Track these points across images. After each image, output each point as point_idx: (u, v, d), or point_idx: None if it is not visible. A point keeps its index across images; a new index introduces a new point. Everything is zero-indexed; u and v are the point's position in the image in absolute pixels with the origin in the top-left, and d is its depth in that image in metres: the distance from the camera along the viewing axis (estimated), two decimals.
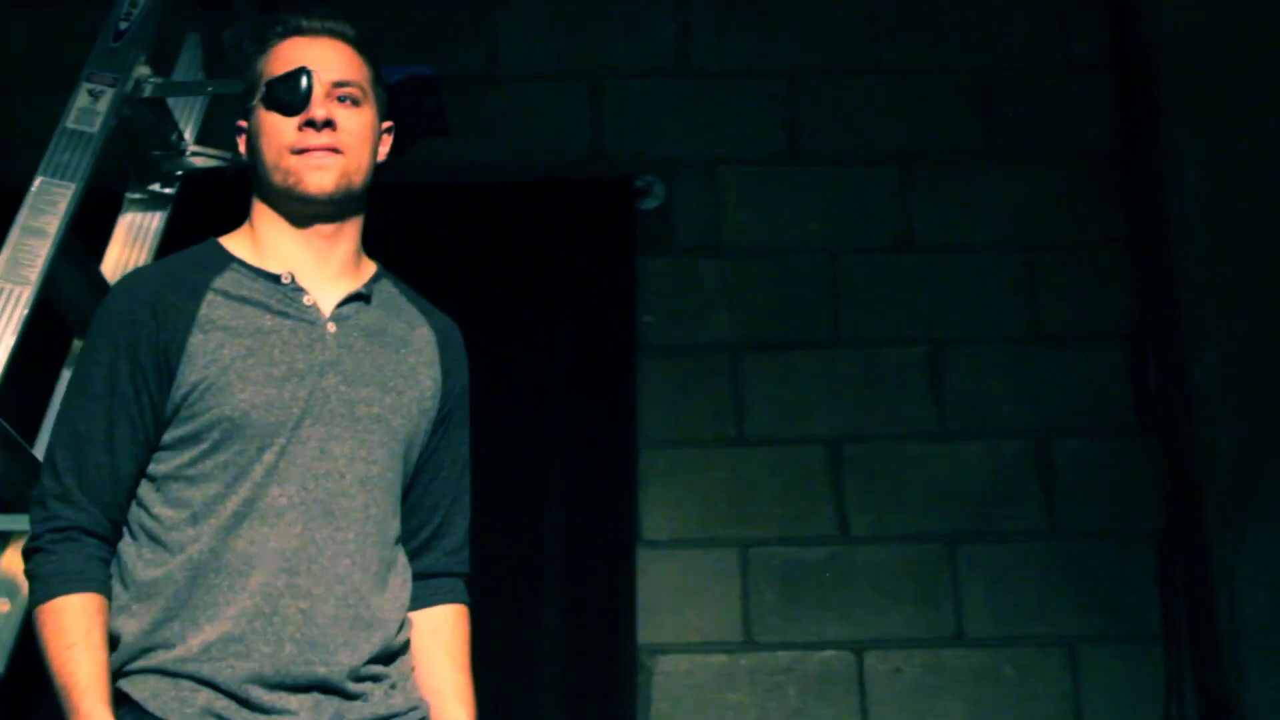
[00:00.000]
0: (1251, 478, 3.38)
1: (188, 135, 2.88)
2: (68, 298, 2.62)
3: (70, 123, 2.56)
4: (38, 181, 2.51)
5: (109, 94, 2.56)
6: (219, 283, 2.18)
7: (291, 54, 2.24)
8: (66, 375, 2.55)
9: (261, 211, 2.25)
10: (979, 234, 3.79)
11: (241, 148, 2.30)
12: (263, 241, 2.24)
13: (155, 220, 2.85)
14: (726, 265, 3.73)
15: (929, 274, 3.76)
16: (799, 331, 3.70)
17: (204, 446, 2.10)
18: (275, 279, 2.19)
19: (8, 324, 2.47)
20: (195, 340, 2.10)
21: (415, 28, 3.84)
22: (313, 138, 2.18)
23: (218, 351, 2.10)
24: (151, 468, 2.13)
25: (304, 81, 2.20)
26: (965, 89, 3.87)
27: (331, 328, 2.18)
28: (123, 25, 2.62)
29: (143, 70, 2.64)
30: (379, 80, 2.33)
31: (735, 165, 3.75)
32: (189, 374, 2.09)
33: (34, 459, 2.51)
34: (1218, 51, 3.60)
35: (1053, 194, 3.82)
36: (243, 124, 2.28)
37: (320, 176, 2.17)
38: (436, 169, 3.57)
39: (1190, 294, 3.55)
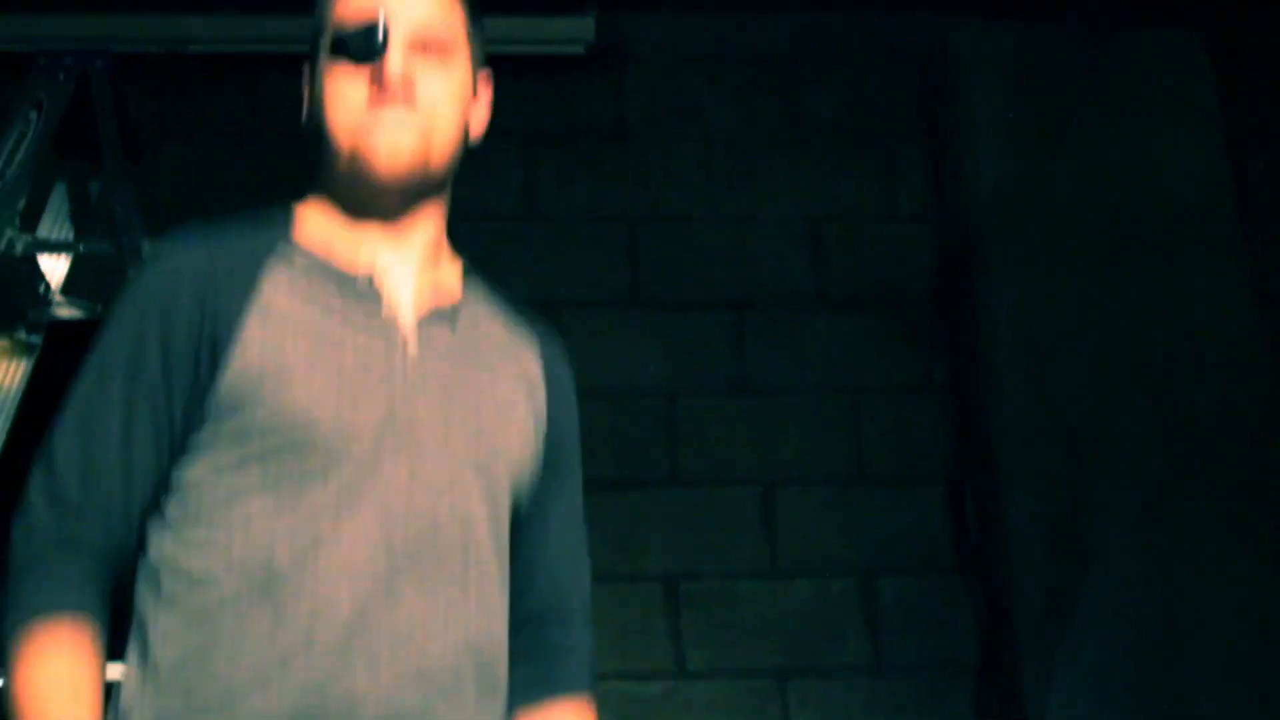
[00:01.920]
0: (1059, 618, 3.54)
1: (55, 286, 2.97)
2: None
3: None
4: None
5: None
6: (286, 269, 1.84)
7: None
8: None
9: (328, 186, 1.94)
10: (809, 378, 3.91)
11: (305, 106, 1.98)
12: (333, 227, 1.92)
13: (20, 367, 2.93)
14: None
15: (762, 416, 3.88)
16: (637, 471, 3.80)
17: (249, 449, 1.72)
18: (350, 280, 1.86)
19: None
20: (252, 325, 1.76)
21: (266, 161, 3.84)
22: (386, 96, 1.85)
23: (279, 346, 1.75)
24: (175, 473, 1.74)
25: (378, 31, 1.87)
26: (798, 238, 4.01)
27: (412, 349, 1.85)
28: None
29: (12, 231, 2.73)
30: (477, 28, 2.02)
31: (578, 307, 3.86)
32: (239, 360, 1.73)
33: None
34: (1029, 210, 3.83)
35: (879, 340, 3.95)
36: (307, 68, 1.99)
37: (394, 139, 1.84)
38: None
39: (1003, 439, 3.71)
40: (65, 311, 2.94)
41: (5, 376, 2.91)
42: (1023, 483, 3.70)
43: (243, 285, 1.78)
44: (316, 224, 1.90)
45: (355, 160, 1.85)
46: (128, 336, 1.77)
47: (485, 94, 2.03)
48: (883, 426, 3.93)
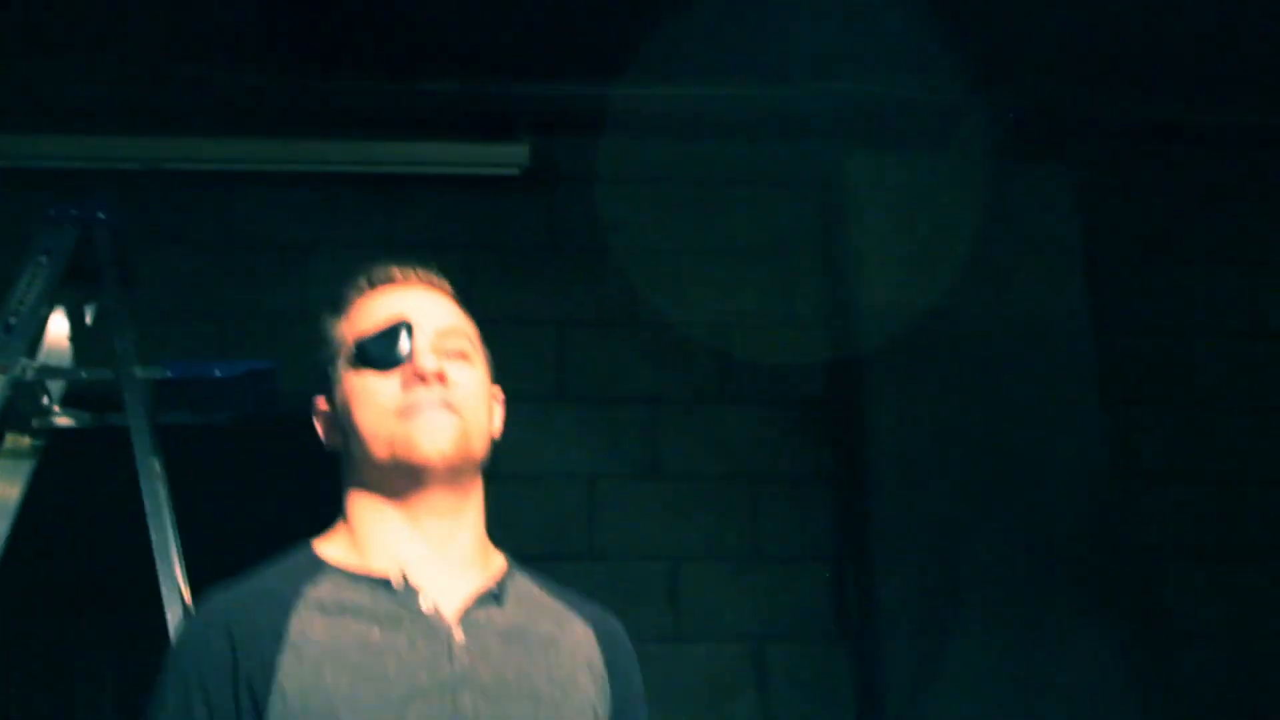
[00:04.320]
0: (924, 687, 3.93)
1: (55, 397, 3.40)
2: None
3: None
4: None
5: (1, 380, 3.09)
6: (313, 594, 1.81)
7: (382, 305, 1.95)
8: None
9: (359, 501, 1.91)
10: (713, 466, 4.28)
11: (321, 433, 1.99)
12: (364, 538, 1.89)
13: (24, 467, 3.35)
14: (500, 489, 4.23)
15: (671, 499, 4.25)
16: (559, 546, 4.17)
17: None
18: (384, 583, 1.82)
19: None
20: (286, 665, 1.72)
21: (240, 269, 4.32)
22: (423, 393, 1.84)
23: (316, 678, 1.71)
24: None
25: (404, 331, 1.88)
26: (706, 340, 4.36)
27: (459, 636, 1.79)
28: (11, 321, 3.13)
29: (25, 360, 3.17)
30: (482, 341, 2.07)
31: (510, 401, 4.22)
32: (281, 708, 1.69)
33: None
34: (909, 324, 4.19)
35: (775, 434, 4.32)
36: (322, 405, 1.98)
37: (436, 437, 1.82)
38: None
39: (880, 527, 4.10)
40: (64, 420, 3.35)
41: (13, 476, 3.33)
42: (895, 567, 4.06)
43: (271, 629, 1.74)
44: (343, 545, 1.90)
45: (396, 459, 1.83)
46: (172, 706, 1.75)
47: (499, 411, 2.09)
48: (777, 511, 4.28)
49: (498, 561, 1.97)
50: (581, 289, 4.41)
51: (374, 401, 1.86)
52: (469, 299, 4.33)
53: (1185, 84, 4.41)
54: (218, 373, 3.21)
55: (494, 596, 1.86)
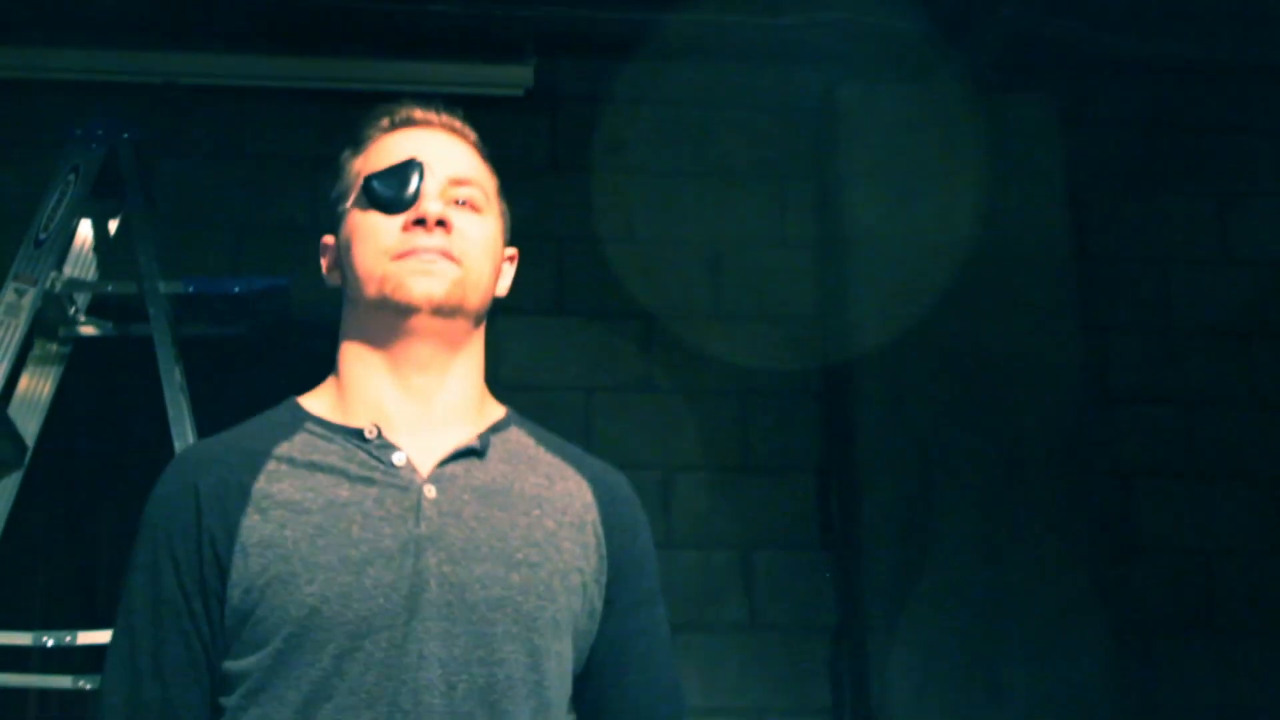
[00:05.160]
0: (902, 594, 4.11)
1: (80, 307, 3.56)
2: None
3: (2, 314, 3.20)
4: None
5: (31, 292, 3.23)
6: (284, 448, 1.76)
7: (399, 145, 1.86)
8: None
9: (348, 351, 1.85)
10: (705, 380, 4.43)
11: (325, 269, 1.93)
12: (348, 390, 1.83)
13: (51, 372, 3.51)
14: (501, 396, 4.38)
15: (664, 412, 4.39)
16: None
17: (269, 661, 1.65)
18: (359, 436, 1.76)
19: None
20: (249, 523, 1.69)
21: (253, 182, 4.44)
22: (422, 237, 1.76)
23: (278, 535, 1.68)
24: (222, 698, 1.69)
25: (414, 172, 1.80)
26: (700, 260, 4.52)
27: (430, 491, 1.73)
28: (41, 236, 3.29)
29: (55, 273, 3.33)
30: (502, 195, 1.97)
31: (512, 315, 4.32)
32: (243, 566, 1.67)
33: None
34: (895, 247, 4.34)
35: (765, 349, 4.45)
36: (327, 240, 1.93)
37: (428, 282, 1.75)
38: None
39: (864, 441, 4.25)
40: (89, 329, 3.51)
41: (42, 380, 3.46)
42: (878, 481, 4.23)
43: (237, 486, 1.72)
44: (329, 398, 1.84)
45: (384, 297, 1.78)
46: (143, 567, 1.74)
47: (510, 269, 1.99)
48: (766, 424, 4.44)
49: (494, 415, 1.89)
50: (581, 207, 4.53)
51: (372, 240, 1.79)
52: None
53: (1164, 17, 4.52)
54: (236, 289, 3.38)
55: (474, 451, 1.78)
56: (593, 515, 1.85)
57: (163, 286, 3.30)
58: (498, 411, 1.91)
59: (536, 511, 1.78)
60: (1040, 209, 4.48)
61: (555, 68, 4.59)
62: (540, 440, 1.92)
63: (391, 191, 1.80)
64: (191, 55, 4.40)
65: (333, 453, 1.75)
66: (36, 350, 3.47)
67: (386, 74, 4.43)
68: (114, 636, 1.75)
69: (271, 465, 1.74)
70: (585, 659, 1.83)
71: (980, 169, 4.43)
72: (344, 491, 1.71)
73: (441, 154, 1.85)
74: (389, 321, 1.79)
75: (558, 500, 1.82)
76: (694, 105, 4.67)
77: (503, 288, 1.96)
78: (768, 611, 4.36)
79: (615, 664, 1.85)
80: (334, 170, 1.93)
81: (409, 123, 1.89)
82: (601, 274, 4.51)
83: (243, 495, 1.71)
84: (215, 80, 4.43)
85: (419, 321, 1.77)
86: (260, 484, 1.72)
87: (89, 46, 4.31)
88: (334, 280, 1.91)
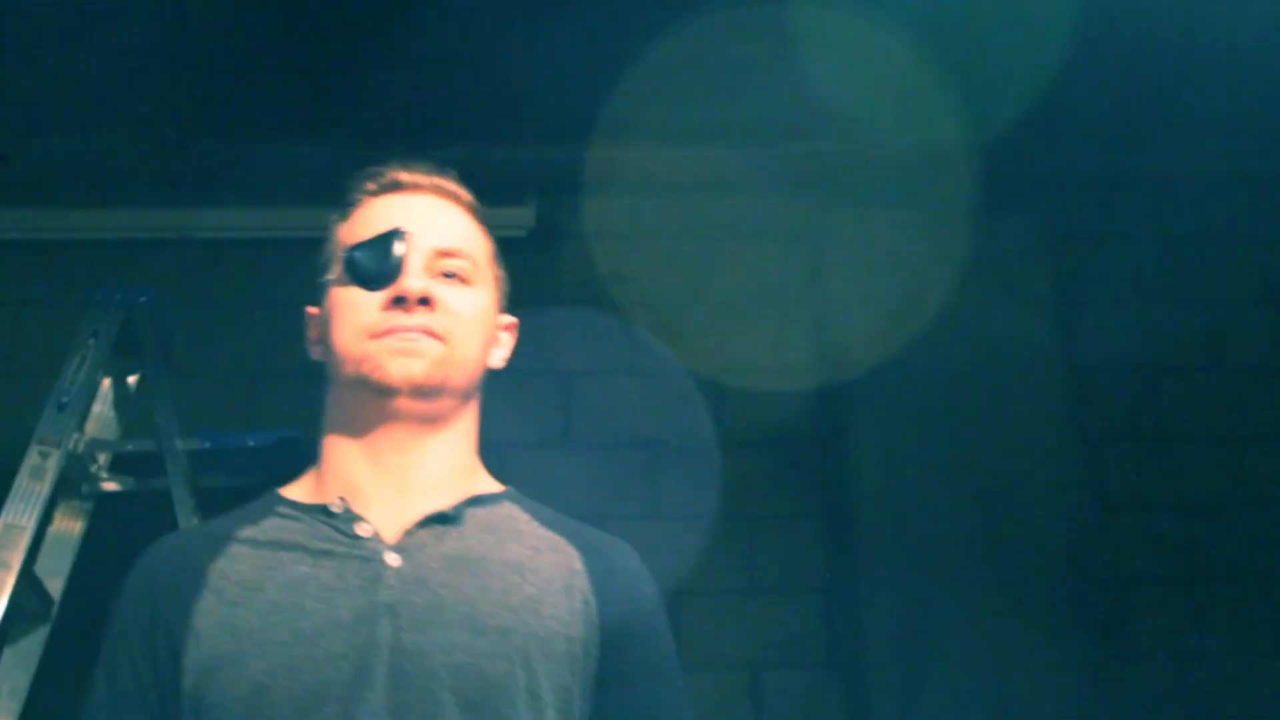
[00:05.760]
0: (907, 707, 4.19)
1: (103, 464, 3.71)
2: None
3: (26, 477, 3.31)
4: (2, 525, 3.21)
5: (56, 454, 3.37)
6: (249, 532, 1.71)
7: (383, 213, 1.78)
8: None
9: (328, 433, 1.79)
10: (711, 506, 4.49)
11: (309, 344, 1.87)
12: (327, 469, 1.77)
13: (76, 527, 3.63)
14: None
15: (672, 538, 4.46)
16: None
17: None
18: (324, 511, 1.71)
19: None
20: (203, 606, 1.63)
21: (265, 330, 4.56)
22: (402, 317, 1.69)
23: (230, 615, 1.61)
24: None
25: (396, 243, 1.70)
26: (704, 389, 4.60)
27: (393, 559, 1.65)
28: (64, 400, 3.44)
29: (78, 434, 3.48)
30: (498, 259, 1.88)
31: (520, 448, 4.44)
32: (194, 650, 1.61)
33: None
34: (890, 369, 4.43)
35: (767, 474, 4.56)
36: (312, 312, 1.86)
37: (408, 363, 1.68)
38: None
39: (866, 560, 4.34)
40: (111, 486, 3.65)
41: (67, 535, 3.58)
42: (880, 597, 4.31)
43: (194, 572, 1.65)
44: (308, 482, 1.78)
45: (362, 378, 1.69)
46: (104, 660, 1.70)
47: (508, 340, 1.91)
48: (770, 547, 4.53)
49: (482, 489, 1.81)
50: (585, 342, 4.64)
51: (352, 317, 1.72)
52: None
53: (1143, 135, 4.66)
54: (251, 442, 3.51)
55: (444, 518, 1.71)
56: (582, 581, 1.76)
57: (180, 444, 3.44)
58: (492, 487, 1.84)
59: (515, 578, 1.70)
60: (1029, 323, 4.58)
61: (556, 206, 4.72)
62: (536, 516, 1.84)
63: (373, 265, 1.71)
64: (207, 210, 4.55)
65: (298, 531, 1.69)
66: (61, 507, 3.60)
67: None
68: None
69: (234, 548, 1.68)
70: None
71: (971, 287, 4.54)
72: (304, 567, 1.65)
73: (428, 222, 1.78)
74: (368, 401, 1.73)
75: (543, 568, 1.73)
76: (692, 237, 4.80)
77: (498, 359, 1.89)
78: None
79: None
80: (323, 238, 1.87)
81: (395, 186, 1.83)
82: (607, 405, 4.61)
83: (199, 580, 1.65)
84: (229, 233, 4.58)
85: (399, 404, 1.70)
86: (219, 565, 1.66)
87: (108, 206, 4.47)
88: (317, 355, 1.85)
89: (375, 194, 1.82)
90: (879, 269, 4.62)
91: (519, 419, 4.59)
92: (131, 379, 3.79)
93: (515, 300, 4.63)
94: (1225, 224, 4.96)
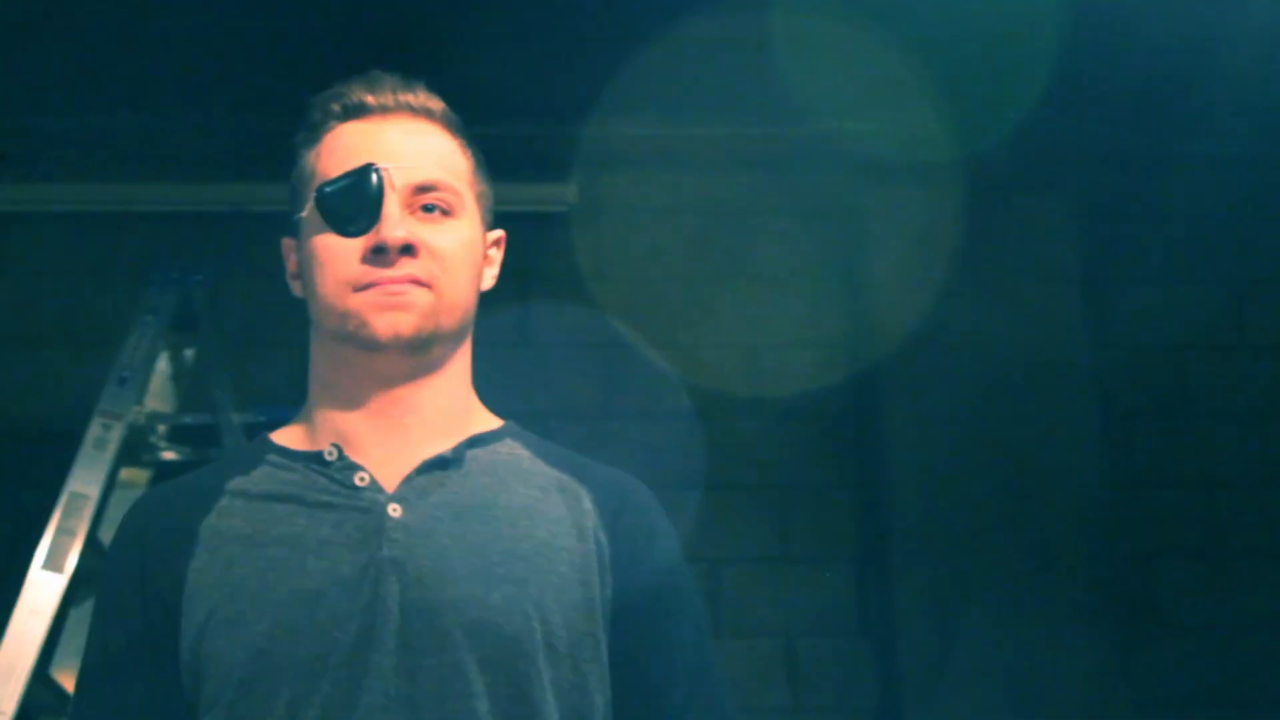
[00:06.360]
0: (937, 677, 4.29)
1: (162, 434, 3.85)
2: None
3: (90, 447, 3.44)
4: (67, 494, 3.34)
5: (117, 427, 3.51)
6: (239, 483, 1.63)
7: (352, 144, 1.66)
8: None
9: (315, 376, 1.70)
10: (747, 477, 4.63)
11: (291, 280, 1.75)
12: (315, 414, 1.68)
13: (137, 495, 3.79)
14: None
15: (709, 507, 4.52)
16: None
17: (222, 711, 1.50)
18: (319, 459, 1.62)
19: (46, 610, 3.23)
20: (197, 565, 1.56)
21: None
22: (384, 270, 1.59)
23: (225, 574, 1.54)
24: None
25: (370, 181, 1.59)
26: (740, 361, 4.70)
27: (395, 511, 1.57)
28: (125, 374, 3.58)
29: (138, 406, 3.62)
30: (483, 178, 1.75)
31: (563, 419, 4.51)
32: (191, 611, 1.53)
33: None
34: (923, 344, 4.52)
35: (803, 445, 4.65)
36: (289, 242, 1.75)
37: (394, 318, 1.59)
38: None
39: (898, 531, 4.45)
40: (170, 455, 3.79)
41: (129, 501, 3.78)
42: (911, 567, 4.42)
43: (185, 528, 1.59)
44: (299, 427, 1.71)
45: (349, 334, 1.62)
46: (96, 624, 1.65)
47: (497, 255, 1.80)
48: (805, 516, 4.63)
49: (482, 427, 1.72)
50: (625, 314, 4.73)
51: (332, 269, 1.62)
52: (523, 327, 4.79)
53: (1172, 114, 4.72)
54: None
55: (444, 463, 1.63)
56: (593, 521, 1.67)
57: (236, 417, 3.57)
58: (490, 423, 1.75)
59: (525, 523, 1.62)
60: (1058, 302, 4.67)
61: (597, 182, 4.81)
62: (539, 453, 1.75)
63: (348, 209, 1.60)
64: (264, 184, 4.63)
65: (291, 482, 1.62)
66: (123, 477, 3.74)
67: None
68: (74, 693, 1.65)
69: (224, 502, 1.61)
70: (589, 692, 1.62)
71: (1001, 266, 4.65)
72: (301, 520, 1.57)
73: (403, 154, 1.65)
74: (355, 353, 1.64)
75: (551, 510, 1.65)
76: (730, 212, 4.89)
77: (489, 279, 1.78)
78: (811, 697, 4.52)
79: (624, 689, 1.63)
80: (295, 159, 1.75)
81: (363, 110, 1.69)
82: (646, 377, 4.69)
83: (190, 538, 1.58)
84: (279, 207, 4.64)
85: (388, 358, 1.63)
86: (210, 521, 1.59)
87: (164, 180, 4.58)
88: (298, 292, 1.75)
89: (342, 119, 1.69)
90: (912, 246, 4.70)
91: (561, 390, 4.72)
92: (189, 352, 3.90)
93: (558, 272, 4.81)
94: (1252, 203, 5.01)
